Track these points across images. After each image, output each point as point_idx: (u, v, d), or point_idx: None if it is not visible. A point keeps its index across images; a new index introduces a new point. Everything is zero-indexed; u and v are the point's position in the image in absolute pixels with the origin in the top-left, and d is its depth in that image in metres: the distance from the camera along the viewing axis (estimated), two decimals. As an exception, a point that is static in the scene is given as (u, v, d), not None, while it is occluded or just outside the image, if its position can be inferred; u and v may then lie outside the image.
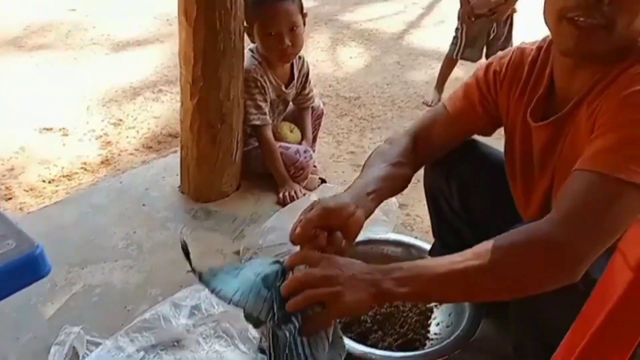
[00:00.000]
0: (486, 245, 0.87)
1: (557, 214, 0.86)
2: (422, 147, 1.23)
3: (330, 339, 0.91)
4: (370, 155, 1.22)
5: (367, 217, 1.06)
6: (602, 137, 0.88)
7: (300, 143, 2.12)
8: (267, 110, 1.91)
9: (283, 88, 1.97)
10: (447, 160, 1.28)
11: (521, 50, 1.17)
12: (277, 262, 0.94)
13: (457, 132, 1.25)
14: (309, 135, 2.18)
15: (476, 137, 1.32)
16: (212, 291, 0.89)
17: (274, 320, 0.87)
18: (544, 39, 1.13)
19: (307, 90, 2.12)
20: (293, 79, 2.01)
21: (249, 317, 0.92)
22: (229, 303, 0.88)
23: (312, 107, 2.21)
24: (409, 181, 1.21)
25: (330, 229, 0.99)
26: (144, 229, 1.67)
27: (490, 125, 1.24)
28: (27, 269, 0.52)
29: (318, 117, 2.28)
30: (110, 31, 4.35)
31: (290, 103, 2.11)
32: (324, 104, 3.23)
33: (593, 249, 0.83)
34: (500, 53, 1.23)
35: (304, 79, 2.08)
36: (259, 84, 1.86)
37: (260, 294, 0.92)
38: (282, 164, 1.92)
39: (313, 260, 0.90)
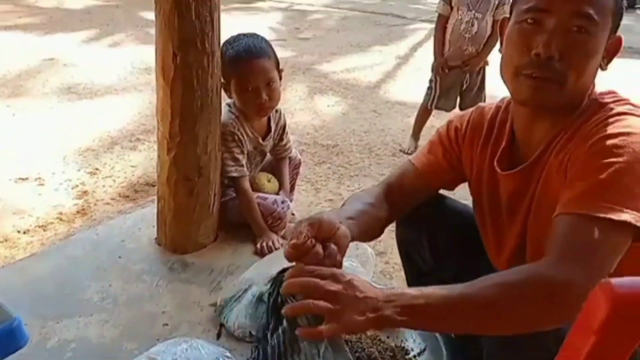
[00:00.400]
0: (486, 281, 0.90)
1: (551, 256, 0.91)
2: (393, 199, 1.29)
3: (320, 352, 0.93)
4: (345, 200, 1.28)
5: (352, 238, 1.08)
6: (578, 183, 0.95)
7: (277, 193, 2.15)
8: (244, 162, 1.95)
9: (260, 140, 2.01)
10: (416, 215, 1.33)
11: (480, 109, 1.26)
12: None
13: (424, 185, 1.31)
14: (287, 185, 2.22)
15: (444, 192, 1.38)
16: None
17: (264, 332, 0.89)
18: (501, 100, 1.22)
19: (284, 142, 2.17)
20: (270, 131, 2.06)
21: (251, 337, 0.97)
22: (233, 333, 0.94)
23: (290, 157, 2.26)
24: (382, 227, 1.27)
25: (321, 242, 0.98)
26: (120, 281, 1.66)
27: (453, 180, 1.32)
28: (5, 341, 0.53)
29: (296, 167, 2.32)
30: (88, 80, 4.40)
31: (268, 154, 2.16)
32: (301, 152, 3.30)
33: (588, 285, 0.86)
34: (460, 112, 1.32)
35: (281, 130, 2.13)
36: (236, 137, 1.90)
37: (257, 313, 0.97)
38: (259, 214, 1.95)
39: (322, 274, 0.90)
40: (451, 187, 1.34)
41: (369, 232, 1.21)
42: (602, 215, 0.89)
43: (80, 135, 3.32)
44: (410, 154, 3.40)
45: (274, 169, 2.22)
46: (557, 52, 0.98)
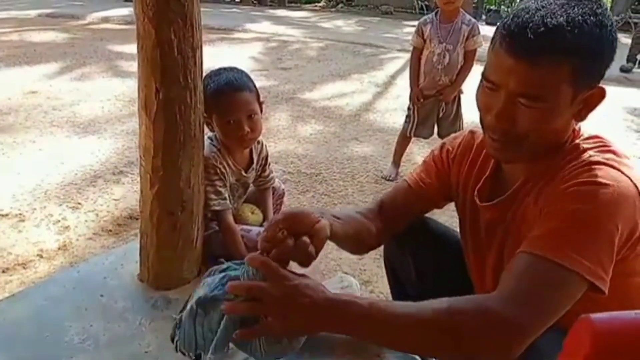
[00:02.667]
0: (434, 304, 0.92)
1: (502, 292, 0.92)
2: (386, 215, 1.32)
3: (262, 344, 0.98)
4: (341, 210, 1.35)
5: (332, 234, 1.08)
6: (543, 224, 0.95)
7: (262, 224, 2.14)
8: (227, 195, 1.95)
9: (243, 172, 2.02)
10: (404, 234, 1.36)
11: (472, 133, 1.28)
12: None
13: (415, 202, 1.34)
14: (271, 215, 2.21)
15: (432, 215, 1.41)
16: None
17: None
18: None
19: (267, 172, 2.17)
20: (252, 162, 2.07)
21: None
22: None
23: (273, 187, 2.26)
24: (373, 240, 1.29)
25: (296, 234, 0.99)
26: (102, 321, 1.62)
27: (444, 198, 1.34)
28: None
29: (279, 198, 2.33)
30: (71, 113, 4.39)
31: (251, 185, 2.16)
32: (284, 181, 3.31)
33: (534, 329, 0.88)
34: (455, 134, 1.34)
35: (263, 161, 2.14)
36: (218, 170, 1.91)
37: (197, 322, 1.07)
38: (244, 247, 1.93)
39: (271, 271, 0.94)
40: (441, 206, 1.37)
41: (356, 238, 1.22)
42: (558, 261, 0.89)
43: (62, 170, 3.29)
44: (392, 180, 3.44)
45: (258, 201, 2.22)
46: (508, 122, 0.99)
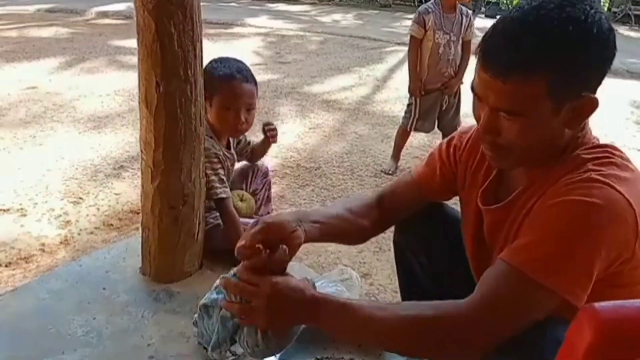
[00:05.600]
0: (410, 307, 1.01)
1: (476, 296, 0.95)
2: (385, 207, 1.34)
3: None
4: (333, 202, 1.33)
5: (309, 240, 1.16)
6: (528, 234, 0.96)
7: (255, 213, 2.16)
8: (227, 183, 1.97)
9: (228, 154, 2.07)
10: (414, 218, 1.37)
11: None
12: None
13: (418, 195, 1.34)
14: (262, 151, 2.29)
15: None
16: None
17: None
18: None
19: (242, 144, 2.23)
20: (230, 143, 2.12)
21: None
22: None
23: (257, 165, 2.30)
24: (364, 235, 1.33)
25: (272, 243, 1.09)
26: (104, 314, 1.64)
27: (445, 193, 1.34)
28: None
29: (265, 176, 2.35)
30: (71, 108, 4.38)
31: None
32: (284, 175, 3.32)
33: (501, 334, 0.92)
34: (462, 128, 1.32)
35: (237, 141, 2.20)
36: (220, 157, 1.93)
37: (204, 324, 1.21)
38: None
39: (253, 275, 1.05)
40: (441, 200, 1.38)
41: (344, 236, 1.30)
42: (531, 276, 0.90)
43: (63, 164, 3.29)
44: (391, 174, 3.44)
45: (243, 173, 2.26)
46: (493, 134, 0.99)
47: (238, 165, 2.26)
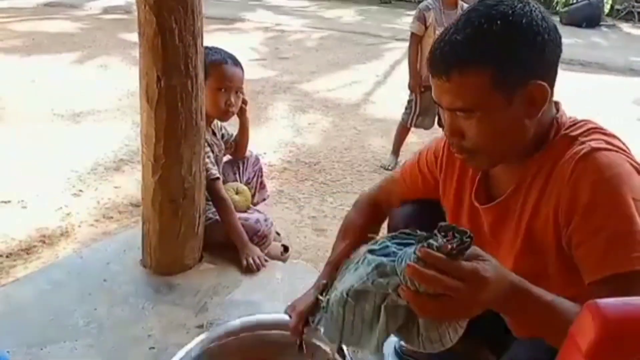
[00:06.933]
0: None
1: None
2: (381, 212, 1.42)
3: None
4: (340, 229, 1.43)
5: None
6: (590, 242, 0.93)
7: (249, 207, 2.18)
8: (217, 167, 2.06)
9: (216, 141, 2.13)
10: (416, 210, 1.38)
11: None
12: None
13: (411, 197, 1.37)
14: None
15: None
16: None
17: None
18: None
19: (225, 134, 2.26)
20: (215, 132, 2.17)
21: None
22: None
23: (246, 156, 2.34)
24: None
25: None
26: (105, 305, 1.66)
27: (431, 196, 1.32)
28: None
29: (256, 164, 2.39)
30: (70, 102, 4.39)
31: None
32: (283, 170, 3.33)
33: None
34: (437, 138, 1.33)
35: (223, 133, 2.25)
36: (207, 142, 1.97)
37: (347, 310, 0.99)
38: (238, 220, 1.98)
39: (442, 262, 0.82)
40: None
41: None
42: (630, 269, 0.88)
43: (63, 158, 3.31)
44: (390, 169, 3.46)
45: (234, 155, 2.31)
46: (457, 136, 1.02)
47: (226, 159, 2.29)
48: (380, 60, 6.95)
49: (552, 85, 0.99)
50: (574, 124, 1.04)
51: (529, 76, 0.96)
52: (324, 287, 1.18)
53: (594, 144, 0.97)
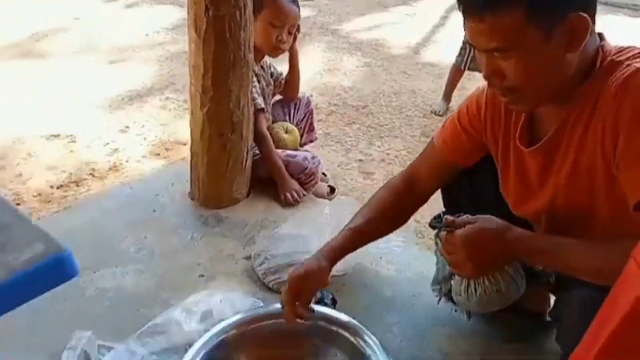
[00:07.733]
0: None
1: None
2: (417, 189, 1.33)
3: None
4: (369, 200, 1.35)
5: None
6: (633, 160, 0.90)
7: (297, 147, 2.13)
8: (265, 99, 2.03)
9: (264, 75, 2.07)
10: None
11: None
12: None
13: (448, 166, 1.30)
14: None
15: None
16: None
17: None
18: None
19: (275, 72, 2.18)
20: (264, 66, 2.10)
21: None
22: None
23: (299, 98, 2.26)
24: (408, 214, 1.36)
25: (310, 291, 1.22)
26: (155, 234, 1.67)
27: (476, 155, 1.27)
28: (56, 271, 0.54)
29: (307, 106, 2.30)
30: (115, 39, 4.38)
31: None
32: (330, 113, 3.26)
33: None
34: (480, 88, 1.25)
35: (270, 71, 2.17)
36: (255, 72, 1.93)
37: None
38: (277, 155, 1.96)
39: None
40: (472, 163, 1.30)
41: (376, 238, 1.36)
42: None
43: (109, 94, 3.32)
44: (441, 115, 3.34)
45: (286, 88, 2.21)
46: (497, 78, 0.99)
47: (278, 98, 2.23)
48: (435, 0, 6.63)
49: (593, 15, 0.94)
50: (621, 50, 0.99)
51: (567, 8, 0.92)
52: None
53: (639, 64, 0.92)
